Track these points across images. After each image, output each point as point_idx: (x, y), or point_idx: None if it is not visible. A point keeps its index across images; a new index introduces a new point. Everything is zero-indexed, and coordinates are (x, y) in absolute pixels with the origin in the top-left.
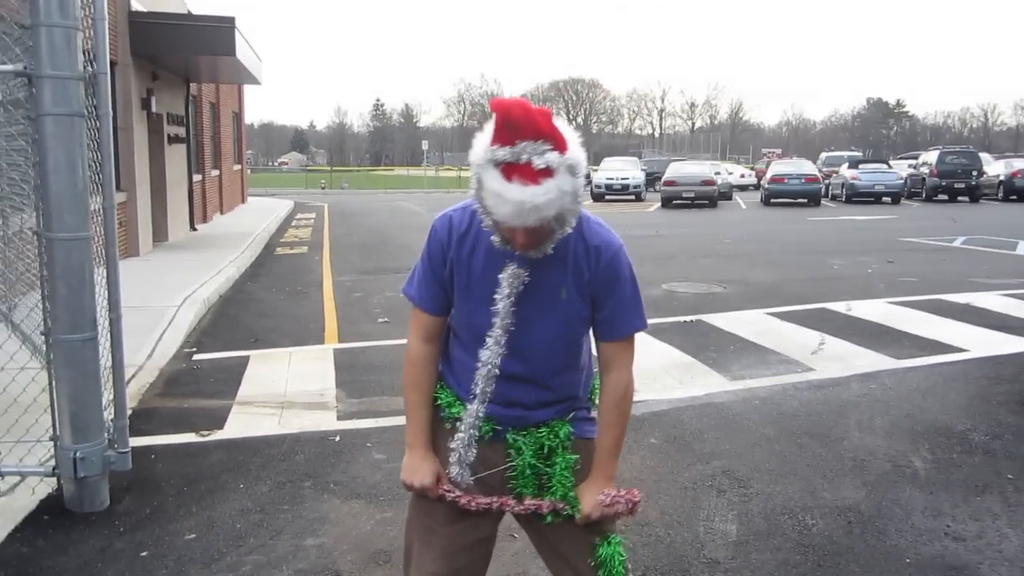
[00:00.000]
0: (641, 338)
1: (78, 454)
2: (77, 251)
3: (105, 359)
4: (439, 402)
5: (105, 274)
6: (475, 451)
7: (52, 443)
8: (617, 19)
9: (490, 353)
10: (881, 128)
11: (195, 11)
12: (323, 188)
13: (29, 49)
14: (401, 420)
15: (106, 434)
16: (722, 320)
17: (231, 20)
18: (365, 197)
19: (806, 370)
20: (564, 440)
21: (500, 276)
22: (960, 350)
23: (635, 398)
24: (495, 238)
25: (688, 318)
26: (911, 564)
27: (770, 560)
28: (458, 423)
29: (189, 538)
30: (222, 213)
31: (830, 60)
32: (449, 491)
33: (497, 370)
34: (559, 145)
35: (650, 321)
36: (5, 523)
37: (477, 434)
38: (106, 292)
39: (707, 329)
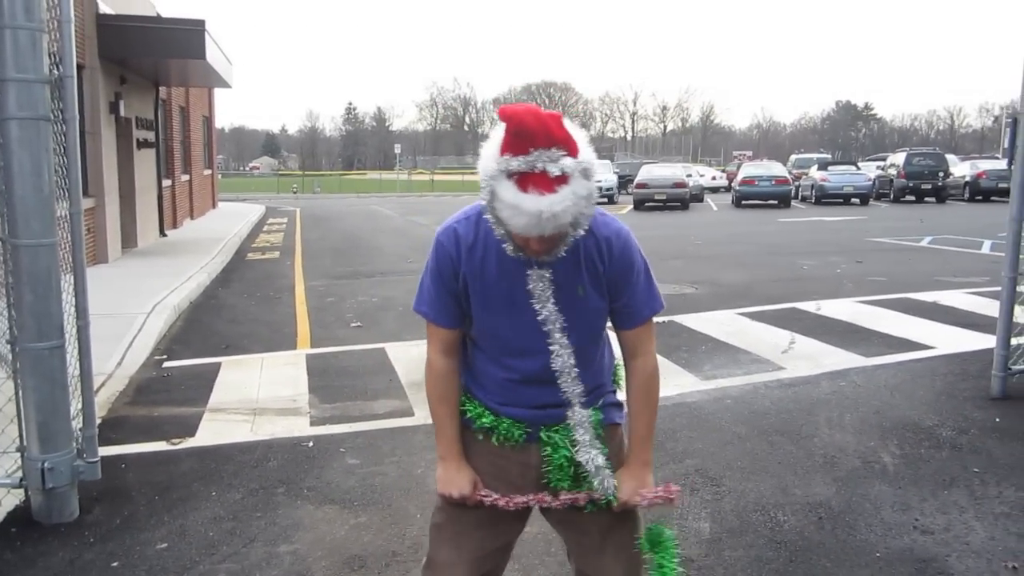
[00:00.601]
0: (612, 338)
1: (46, 464)
2: (43, 257)
3: (73, 367)
4: (468, 415)
5: (72, 281)
6: (604, 452)
7: (19, 454)
8: (589, 22)
9: (562, 360)
10: (850, 130)
11: (164, 14)
12: (295, 192)
13: None
14: (374, 425)
15: (75, 443)
16: (694, 321)
17: (201, 23)
18: (338, 201)
19: (777, 369)
20: (597, 428)
21: (528, 286)
22: (927, 347)
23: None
24: (508, 246)
25: (660, 319)
26: (881, 558)
27: (743, 557)
28: (492, 433)
29: (161, 548)
30: (192, 218)
31: (800, 63)
32: (486, 496)
33: (577, 370)
34: (571, 149)
35: None
36: None
37: (594, 436)
38: (73, 299)
39: (679, 330)
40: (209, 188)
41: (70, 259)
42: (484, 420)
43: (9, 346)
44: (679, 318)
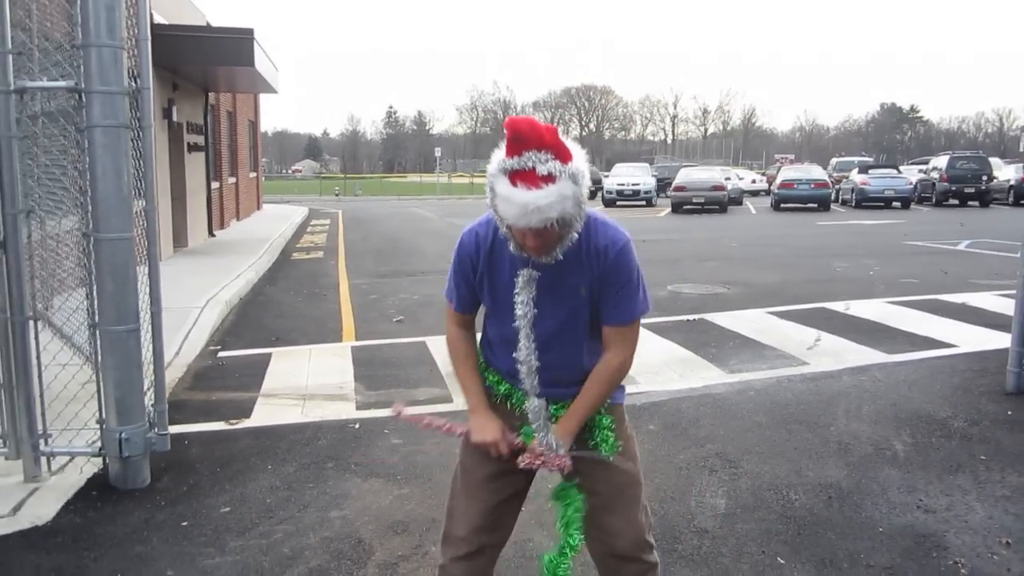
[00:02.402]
0: (645, 335)
1: (123, 435)
2: (122, 250)
3: (145, 349)
4: (488, 382)
5: (147, 271)
6: (552, 433)
7: (98, 426)
8: (629, 25)
9: (524, 351)
10: (895, 133)
11: (214, 23)
12: (337, 195)
13: (78, 67)
14: (415, 410)
15: (147, 418)
16: (724, 319)
17: (250, 32)
18: (378, 204)
19: (801, 364)
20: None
21: (515, 278)
22: (951, 345)
23: (636, 389)
24: (511, 244)
25: (691, 317)
26: (883, 532)
27: (754, 529)
28: (508, 399)
29: (224, 511)
30: (239, 219)
31: (844, 65)
32: (516, 443)
33: (537, 362)
34: (562, 156)
35: (654, 320)
36: (59, 497)
37: (550, 418)
38: (147, 288)
39: (709, 327)
40: (254, 190)
41: (144, 252)
42: (502, 387)
43: (85, 335)
44: (710, 316)
